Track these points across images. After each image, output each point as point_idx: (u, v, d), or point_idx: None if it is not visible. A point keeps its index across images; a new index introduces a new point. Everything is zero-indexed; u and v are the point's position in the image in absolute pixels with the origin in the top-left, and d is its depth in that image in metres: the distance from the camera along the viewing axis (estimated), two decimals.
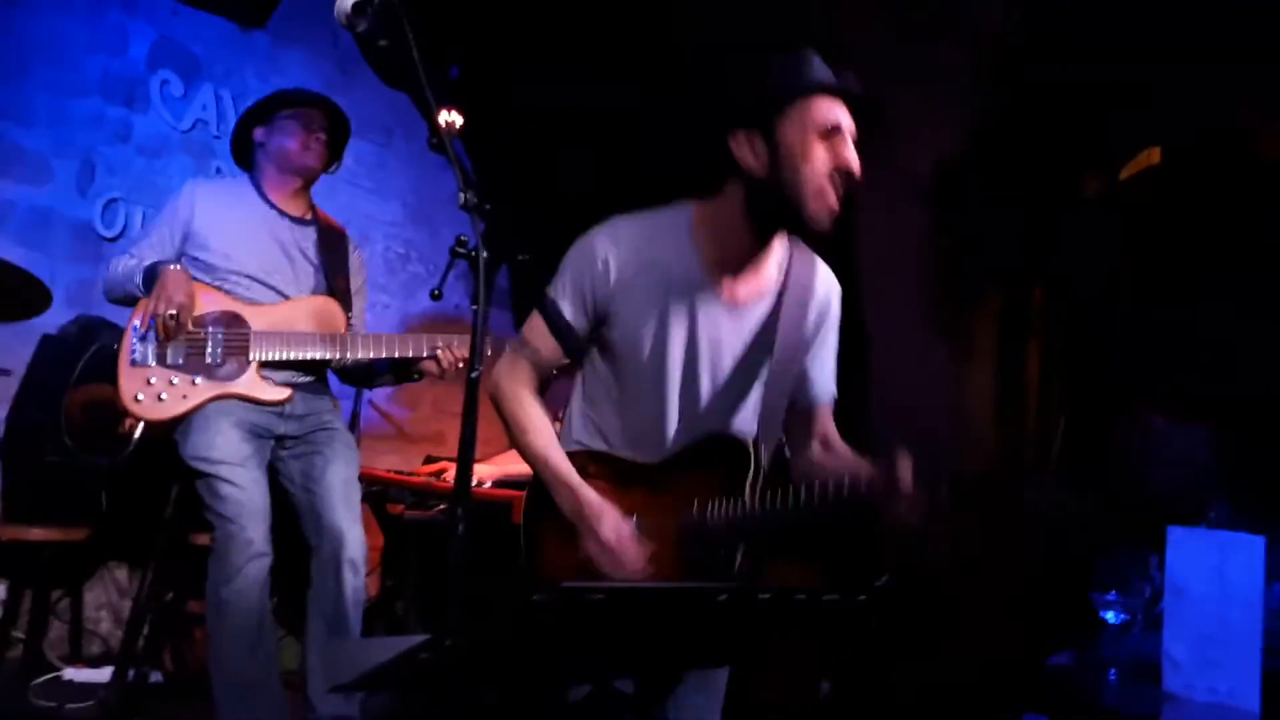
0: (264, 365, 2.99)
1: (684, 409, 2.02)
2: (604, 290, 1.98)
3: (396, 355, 3.09)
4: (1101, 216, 3.78)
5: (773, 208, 1.92)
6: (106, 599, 3.97)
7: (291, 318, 3.04)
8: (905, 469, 1.74)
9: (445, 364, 3.04)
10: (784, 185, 1.88)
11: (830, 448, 2.13)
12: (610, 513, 1.89)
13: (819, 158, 1.86)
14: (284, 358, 3.00)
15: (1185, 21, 3.22)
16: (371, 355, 3.10)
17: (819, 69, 1.91)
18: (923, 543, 1.82)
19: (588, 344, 2.07)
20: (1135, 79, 3.43)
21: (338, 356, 3.09)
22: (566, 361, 2.09)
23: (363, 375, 3.31)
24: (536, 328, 2.06)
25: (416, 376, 3.21)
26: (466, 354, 2.98)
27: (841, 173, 1.87)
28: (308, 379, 3.11)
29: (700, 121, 2.07)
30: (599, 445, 2.08)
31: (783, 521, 1.84)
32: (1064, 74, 3.59)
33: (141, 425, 2.92)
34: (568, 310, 1.99)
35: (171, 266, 2.91)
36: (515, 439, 2.07)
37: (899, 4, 3.71)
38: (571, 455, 2.03)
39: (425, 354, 3.06)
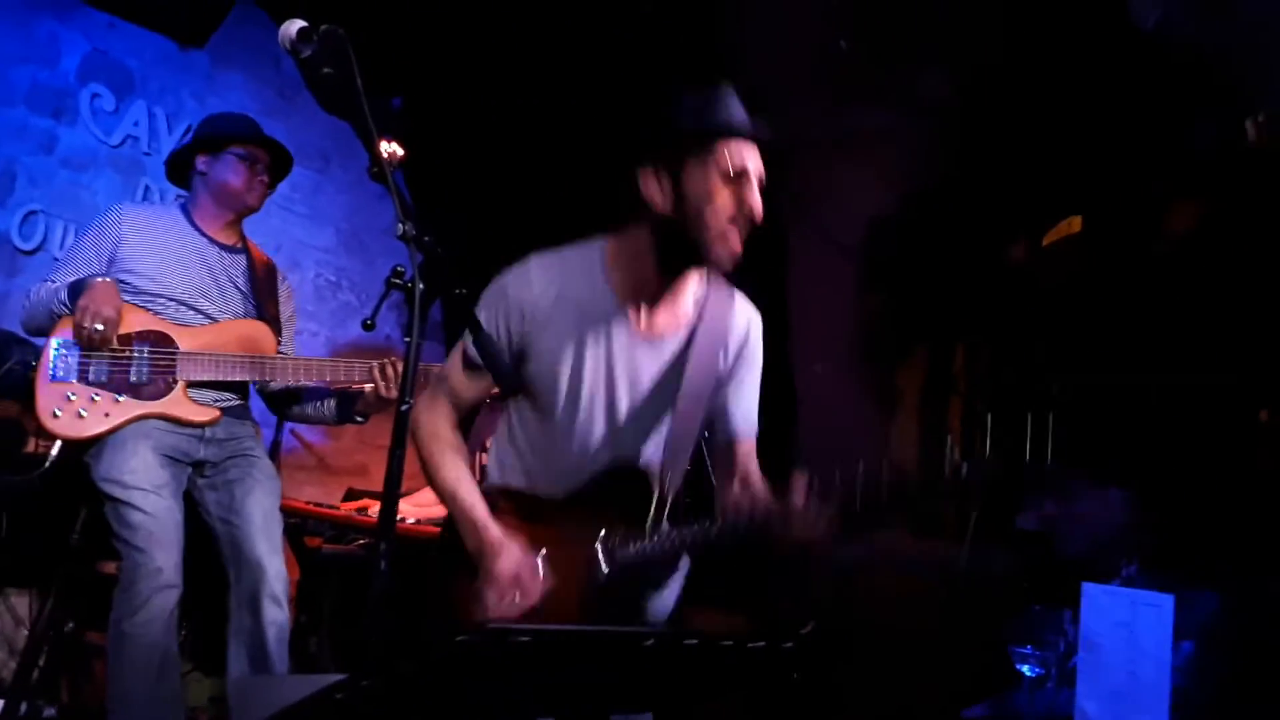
0: (190, 386, 2.91)
1: (599, 441, 2.02)
2: (519, 328, 1.99)
3: (327, 380, 3.03)
4: (1024, 280, 3.90)
5: (677, 246, 1.93)
6: (0, 627, 3.79)
7: (220, 340, 2.98)
8: (799, 489, 1.78)
9: (386, 376, 2.93)
10: (688, 226, 1.89)
11: (748, 487, 2.10)
12: (510, 548, 1.88)
13: (723, 202, 1.87)
14: (211, 379, 2.93)
15: (1107, 101, 3.37)
16: (301, 380, 3.04)
17: (729, 110, 1.92)
18: (812, 563, 1.87)
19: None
20: (1060, 150, 3.58)
21: (265, 380, 3.03)
22: (484, 399, 2.10)
23: (291, 401, 3.23)
24: (454, 367, 2.06)
25: (359, 420, 3.15)
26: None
27: (745, 216, 1.88)
28: (232, 403, 3.04)
29: (611, 155, 2.09)
30: (515, 482, 2.06)
31: (673, 550, 1.87)
32: (992, 140, 3.72)
33: (58, 444, 2.81)
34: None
35: (99, 279, 2.81)
36: (429, 475, 2.06)
37: (835, 69, 3.82)
38: (486, 493, 2.02)
39: (356, 379, 3.00)
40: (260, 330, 3.05)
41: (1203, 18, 3.02)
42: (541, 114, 4.57)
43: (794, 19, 3.89)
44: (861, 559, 3.12)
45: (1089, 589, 1.90)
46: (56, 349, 2.82)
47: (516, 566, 1.87)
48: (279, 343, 3.10)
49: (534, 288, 1.99)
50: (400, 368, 2.93)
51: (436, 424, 2.05)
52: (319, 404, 3.18)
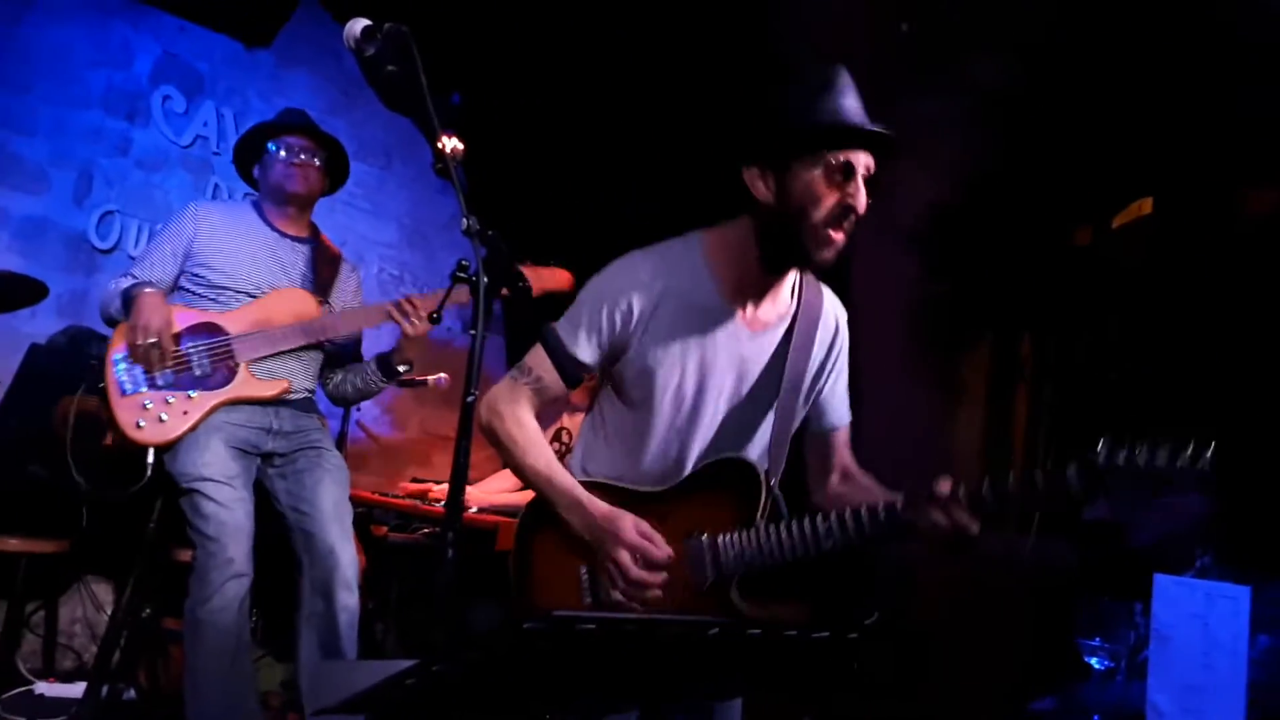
0: (253, 364, 2.99)
1: (703, 438, 2.00)
2: (625, 327, 1.96)
3: (378, 325, 3.08)
4: (1092, 265, 3.82)
5: (781, 242, 1.90)
6: (82, 613, 3.93)
7: (264, 315, 3.04)
8: (944, 484, 1.74)
9: (409, 310, 2.97)
10: (791, 224, 1.87)
11: (850, 479, 2.12)
12: (626, 514, 1.87)
13: (829, 201, 1.84)
14: (269, 353, 3.00)
15: (1176, 80, 3.28)
16: (353, 330, 3.11)
17: (838, 108, 1.86)
18: (960, 552, 1.79)
19: (597, 374, 2.05)
20: (1127, 132, 3.48)
21: (320, 340, 3.07)
22: (568, 391, 2.08)
23: (344, 387, 3.29)
24: (541, 357, 2.02)
25: (405, 368, 3.15)
26: (425, 304, 2.98)
27: (849, 215, 1.85)
28: (299, 395, 3.10)
29: (715, 150, 2.05)
30: (602, 477, 2.05)
31: (807, 548, 1.81)
32: (1057, 124, 3.64)
33: (151, 452, 2.87)
34: (584, 345, 1.97)
35: (146, 290, 2.89)
36: (513, 459, 2.03)
37: (894, 54, 3.76)
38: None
39: (356, 330, 3.07)
40: (298, 295, 3.10)
41: None
42: (594, 105, 4.58)
43: (852, 5, 3.84)
44: (926, 551, 3.08)
45: (1161, 580, 1.85)
46: (118, 363, 2.90)
47: (639, 527, 1.85)
48: (321, 302, 3.13)
49: (642, 280, 1.96)
50: (415, 303, 2.97)
51: (518, 411, 2.02)
52: (365, 373, 3.21)
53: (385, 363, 3.17)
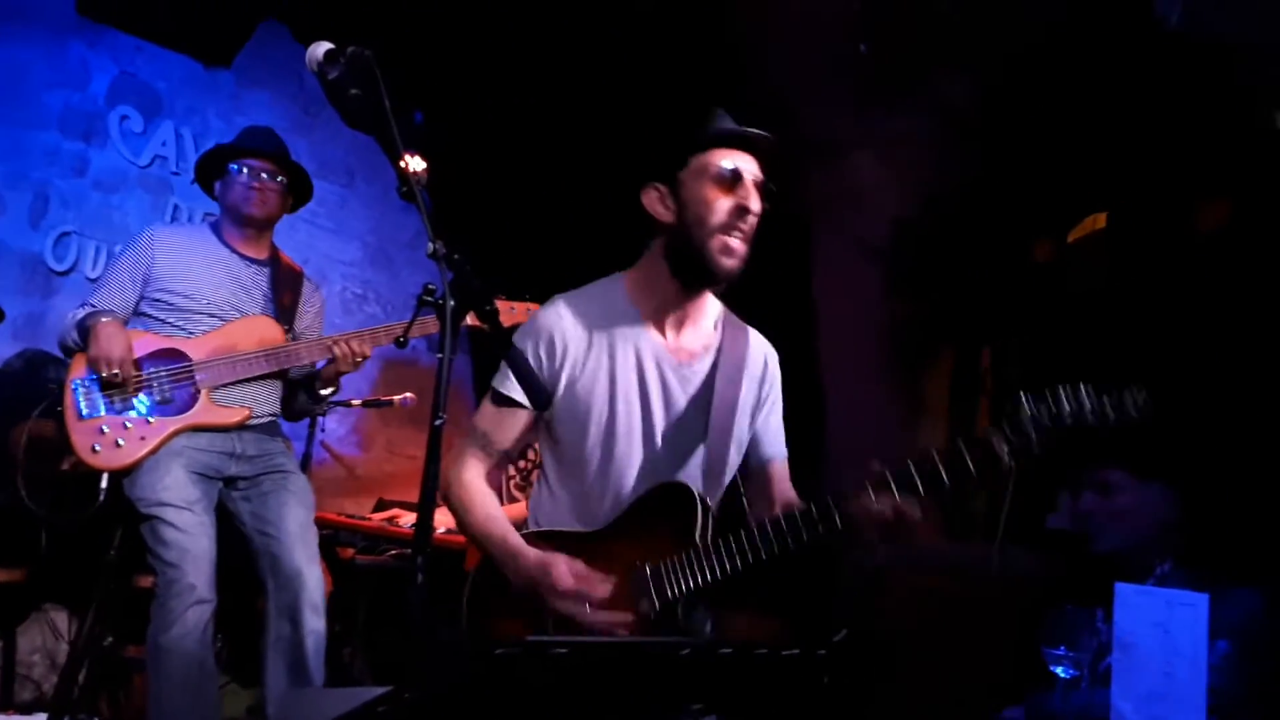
0: (214, 391, 2.96)
1: (636, 466, 2.02)
2: (551, 362, 2.01)
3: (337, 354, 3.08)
4: (1051, 279, 3.89)
5: (686, 257, 1.98)
6: (41, 643, 3.84)
7: (229, 342, 3.02)
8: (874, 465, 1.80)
9: (340, 353, 3.00)
10: (692, 236, 1.95)
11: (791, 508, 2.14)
12: (559, 559, 1.87)
13: (720, 207, 1.93)
14: (231, 380, 2.98)
15: (1133, 100, 3.35)
16: (316, 359, 3.09)
17: (718, 120, 1.98)
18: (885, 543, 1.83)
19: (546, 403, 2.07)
20: (1086, 149, 3.55)
21: (284, 366, 3.06)
22: (517, 445, 2.11)
23: (297, 412, 3.29)
24: (486, 414, 2.08)
25: (327, 391, 3.18)
26: (361, 346, 3.00)
27: (744, 217, 1.93)
28: (263, 420, 3.07)
29: (621, 175, 2.14)
30: (554, 523, 2.06)
31: (745, 558, 1.82)
32: (1017, 142, 3.71)
33: (106, 477, 2.85)
34: (516, 387, 1.98)
35: (103, 320, 2.87)
36: (460, 521, 2.07)
37: (859, 72, 3.81)
38: (526, 540, 2.00)
39: (319, 360, 3.06)
40: (263, 323, 3.09)
41: (1225, 12, 3.00)
42: (559, 124, 4.59)
43: (816, 23, 3.89)
44: (892, 561, 3.12)
45: (1121, 589, 1.88)
46: (76, 388, 2.87)
47: (570, 569, 1.85)
48: (286, 330, 3.12)
49: (564, 318, 2.03)
50: (353, 345, 3.00)
51: (463, 474, 2.06)
52: (299, 397, 3.22)
53: (311, 392, 3.18)
